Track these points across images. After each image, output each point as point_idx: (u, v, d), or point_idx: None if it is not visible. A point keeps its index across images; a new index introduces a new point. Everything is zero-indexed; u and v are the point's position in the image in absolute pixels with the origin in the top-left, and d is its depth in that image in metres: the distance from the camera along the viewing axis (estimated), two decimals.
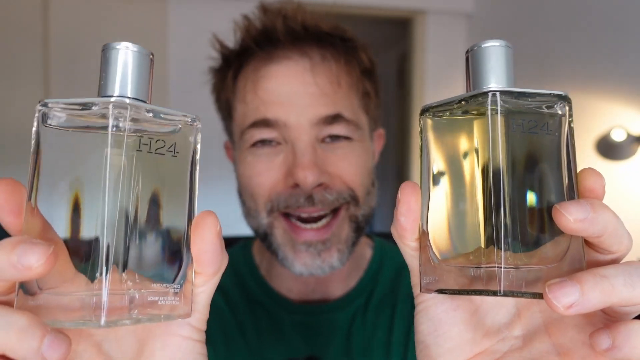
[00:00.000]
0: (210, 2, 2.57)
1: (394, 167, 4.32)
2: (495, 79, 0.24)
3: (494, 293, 0.22)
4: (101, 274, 0.22)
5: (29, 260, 0.20)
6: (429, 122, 0.26)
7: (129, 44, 0.25)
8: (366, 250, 0.61)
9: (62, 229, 0.23)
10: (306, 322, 0.55)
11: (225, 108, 0.57)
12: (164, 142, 0.25)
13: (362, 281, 0.58)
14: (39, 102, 0.24)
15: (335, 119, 0.50)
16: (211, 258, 0.25)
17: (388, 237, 0.79)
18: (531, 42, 2.30)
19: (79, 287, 0.22)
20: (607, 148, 1.67)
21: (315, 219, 0.50)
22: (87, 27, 2.47)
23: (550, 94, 0.24)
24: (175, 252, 0.25)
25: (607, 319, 0.23)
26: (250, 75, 0.52)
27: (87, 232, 0.22)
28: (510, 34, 2.49)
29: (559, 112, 0.24)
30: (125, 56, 0.25)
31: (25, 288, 0.22)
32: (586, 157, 1.94)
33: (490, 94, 0.23)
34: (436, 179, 0.25)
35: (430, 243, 0.25)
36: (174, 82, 2.54)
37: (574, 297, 0.20)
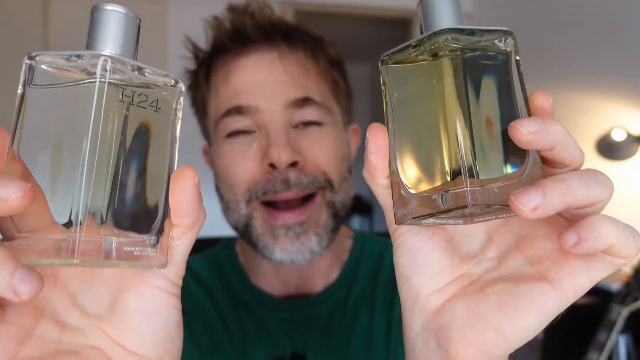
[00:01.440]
0: (211, 2, 2.57)
1: None
2: (444, 21, 0.26)
3: (464, 207, 0.23)
4: (77, 220, 0.22)
5: (6, 191, 0.20)
6: (389, 68, 0.28)
7: (117, 6, 0.26)
8: (346, 241, 0.62)
9: (43, 178, 0.23)
10: (289, 318, 0.55)
11: (201, 106, 0.57)
12: (147, 96, 0.25)
13: (342, 273, 0.58)
14: (27, 55, 0.24)
15: (305, 101, 0.51)
16: (188, 209, 0.25)
17: (388, 236, 0.80)
18: (531, 42, 2.29)
19: (57, 232, 0.22)
20: (607, 148, 1.67)
21: (293, 206, 0.51)
22: (87, 27, 2.47)
23: (495, 30, 0.26)
24: (154, 204, 0.25)
25: (570, 225, 0.24)
26: (222, 70, 0.53)
27: (68, 182, 0.22)
28: None
29: (507, 46, 0.26)
30: (113, 16, 0.26)
31: (2, 230, 0.23)
32: (586, 157, 1.93)
33: (442, 33, 0.25)
34: (400, 120, 0.27)
35: (401, 179, 0.27)
36: None
37: (537, 201, 0.22)
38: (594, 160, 1.87)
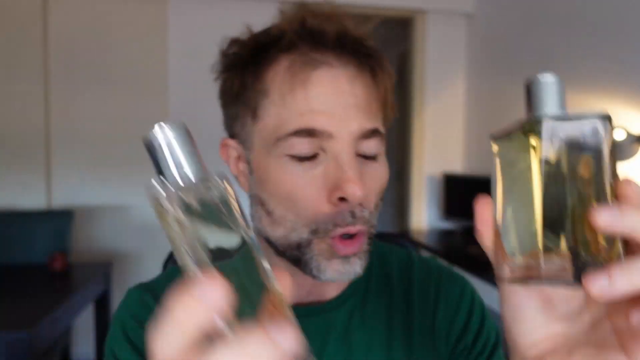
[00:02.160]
0: (211, 2, 2.57)
1: (394, 167, 4.32)
2: (548, 106, 0.30)
3: (564, 280, 0.27)
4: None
5: None
6: (498, 142, 0.33)
7: (160, 124, 0.26)
8: None
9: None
10: (301, 324, 0.54)
11: (249, 106, 0.50)
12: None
13: (355, 278, 0.56)
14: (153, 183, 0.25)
15: (373, 133, 0.49)
16: None
17: (386, 236, 0.79)
18: (531, 42, 2.29)
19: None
20: None
21: (352, 240, 0.50)
22: (86, 26, 2.47)
23: (594, 115, 0.29)
24: None
25: None
26: (291, 78, 0.48)
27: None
28: (511, 34, 2.48)
29: (603, 130, 0.29)
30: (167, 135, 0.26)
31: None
32: None
33: (543, 119, 0.29)
34: (506, 188, 0.32)
35: (506, 242, 0.31)
36: (173, 79, 2.54)
37: (604, 285, 0.25)
38: None
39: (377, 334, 0.54)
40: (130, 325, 0.54)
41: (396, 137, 4.23)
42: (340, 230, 0.48)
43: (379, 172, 0.51)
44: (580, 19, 1.98)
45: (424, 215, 3.00)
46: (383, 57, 0.52)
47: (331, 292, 0.56)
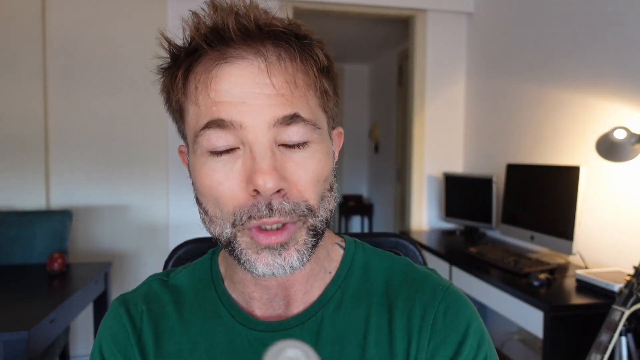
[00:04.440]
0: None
1: (395, 167, 4.31)
2: None
3: None
4: None
5: None
6: None
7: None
8: (335, 252, 0.59)
9: None
10: (265, 338, 0.53)
11: (177, 110, 0.53)
12: None
13: (327, 291, 0.56)
14: None
15: (292, 119, 0.48)
16: None
17: (385, 236, 0.78)
18: (531, 42, 2.29)
19: None
20: (608, 148, 1.66)
21: (275, 231, 0.49)
22: (85, 26, 2.46)
23: None
24: None
25: None
26: (202, 76, 0.50)
27: None
28: (510, 33, 2.48)
29: None
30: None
31: None
32: (587, 157, 1.93)
33: None
34: None
35: None
36: None
37: None
38: (595, 160, 1.86)
39: (348, 352, 0.52)
40: (106, 344, 0.56)
41: (396, 134, 4.22)
42: (255, 223, 0.47)
43: (310, 160, 0.49)
44: (580, 18, 1.98)
45: (424, 216, 2.99)
46: (312, 42, 0.52)
47: (300, 303, 0.55)
